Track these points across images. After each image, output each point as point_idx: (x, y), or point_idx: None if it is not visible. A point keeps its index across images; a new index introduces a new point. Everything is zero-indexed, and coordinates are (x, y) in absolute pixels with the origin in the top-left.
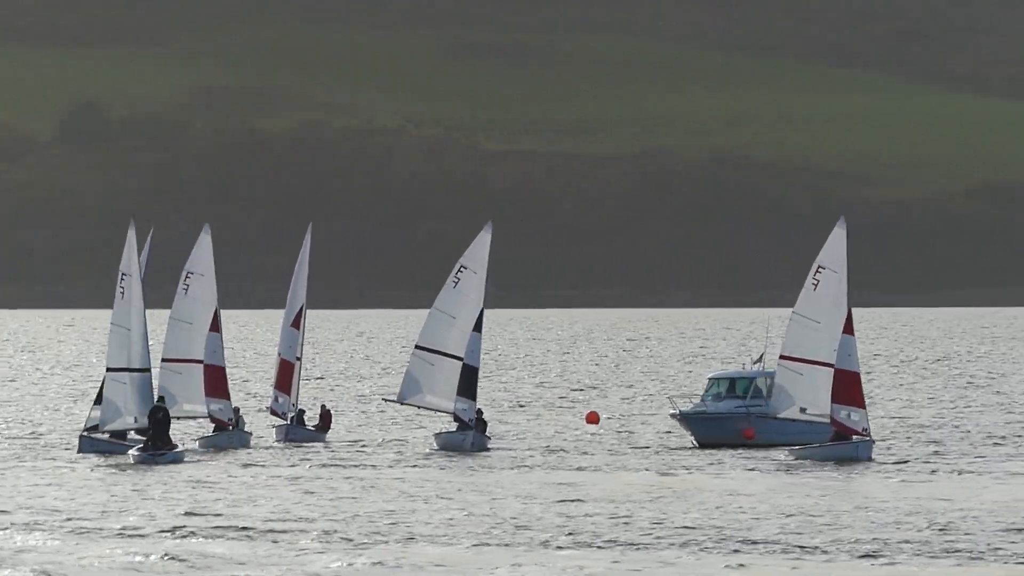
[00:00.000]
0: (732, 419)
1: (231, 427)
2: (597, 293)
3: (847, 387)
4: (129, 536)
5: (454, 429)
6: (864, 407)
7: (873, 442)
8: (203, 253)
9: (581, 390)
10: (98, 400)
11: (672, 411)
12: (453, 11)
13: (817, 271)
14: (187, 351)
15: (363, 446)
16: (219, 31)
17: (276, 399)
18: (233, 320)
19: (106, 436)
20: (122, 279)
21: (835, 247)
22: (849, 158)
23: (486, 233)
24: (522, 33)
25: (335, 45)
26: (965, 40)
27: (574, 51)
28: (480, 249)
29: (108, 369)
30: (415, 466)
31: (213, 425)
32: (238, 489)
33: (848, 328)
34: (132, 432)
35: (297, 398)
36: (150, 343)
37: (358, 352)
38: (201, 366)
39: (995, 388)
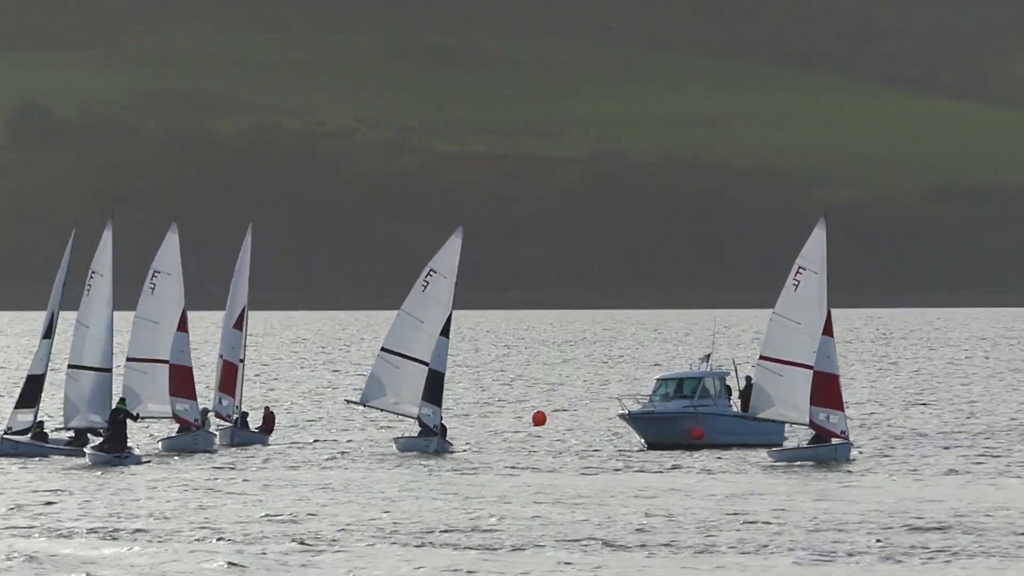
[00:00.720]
0: (680, 419)
1: (196, 428)
2: (548, 294)
3: (826, 389)
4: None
5: (415, 434)
6: (843, 409)
7: (852, 445)
8: (170, 252)
9: (542, 387)
10: (19, 402)
11: (621, 412)
12: (404, 13)
13: (798, 272)
14: (152, 351)
15: (317, 448)
16: (169, 33)
17: (220, 401)
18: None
19: (27, 438)
20: (91, 276)
21: (815, 247)
22: (803, 159)
23: (456, 238)
24: (475, 34)
25: (285, 47)
26: (915, 41)
27: (527, 52)
28: (450, 254)
29: (68, 366)
30: (376, 469)
31: (177, 426)
32: (191, 493)
33: (828, 329)
34: (58, 433)
35: (240, 400)
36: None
37: (303, 354)
38: (166, 366)
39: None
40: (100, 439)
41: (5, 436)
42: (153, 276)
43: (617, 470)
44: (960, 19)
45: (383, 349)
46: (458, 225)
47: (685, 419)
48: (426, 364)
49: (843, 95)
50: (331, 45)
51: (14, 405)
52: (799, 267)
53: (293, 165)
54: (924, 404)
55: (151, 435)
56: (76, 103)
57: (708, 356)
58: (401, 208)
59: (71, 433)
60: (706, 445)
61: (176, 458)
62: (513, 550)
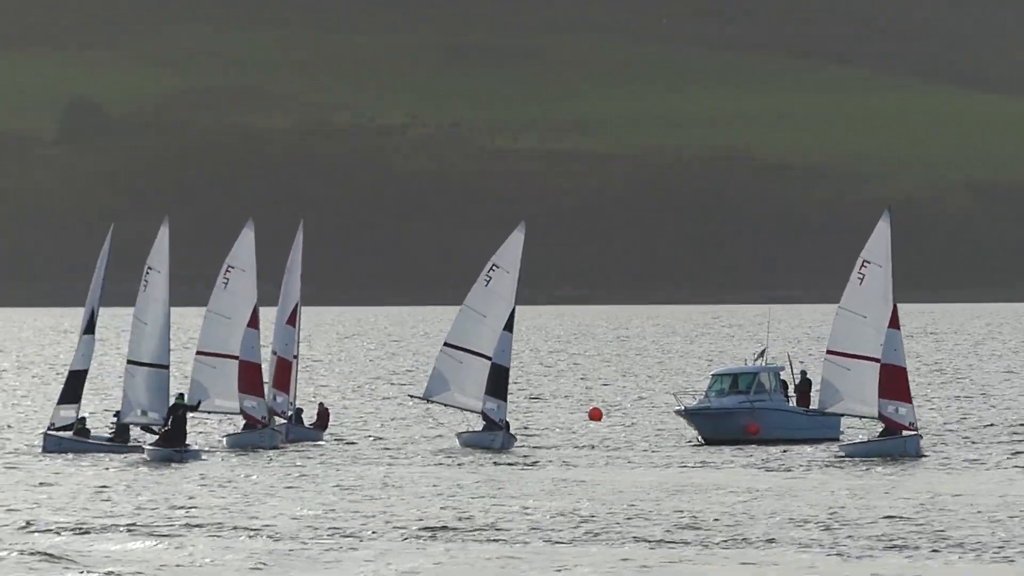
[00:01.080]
0: (736, 415)
1: (263, 425)
2: (600, 290)
3: (894, 382)
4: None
5: (479, 428)
6: (911, 402)
7: (921, 437)
8: (245, 247)
9: (599, 383)
10: (62, 399)
11: (677, 408)
12: (456, 10)
13: (862, 265)
14: (223, 346)
15: (373, 444)
16: (220, 30)
17: (274, 398)
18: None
19: (69, 434)
20: (147, 272)
21: (879, 241)
22: (848, 156)
23: (519, 233)
24: (524, 33)
25: (335, 45)
26: (962, 38)
27: (577, 49)
28: (513, 248)
29: (127, 362)
30: (439, 464)
31: (243, 422)
32: (250, 488)
33: (894, 322)
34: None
35: (295, 396)
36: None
37: (357, 350)
38: (236, 362)
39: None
40: (156, 435)
41: (48, 432)
42: (227, 271)
43: (677, 466)
44: (994, 13)
45: (446, 344)
46: (506, 221)
47: (741, 415)
48: (489, 359)
49: (888, 92)
50: (382, 42)
51: (57, 401)
52: (864, 261)
53: (343, 161)
54: (984, 397)
55: (201, 433)
56: (126, 100)
57: (763, 351)
58: (450, 204)
59: (112, 429)
60: (761, 440)
61: (236, 454)
62: (569, 544)
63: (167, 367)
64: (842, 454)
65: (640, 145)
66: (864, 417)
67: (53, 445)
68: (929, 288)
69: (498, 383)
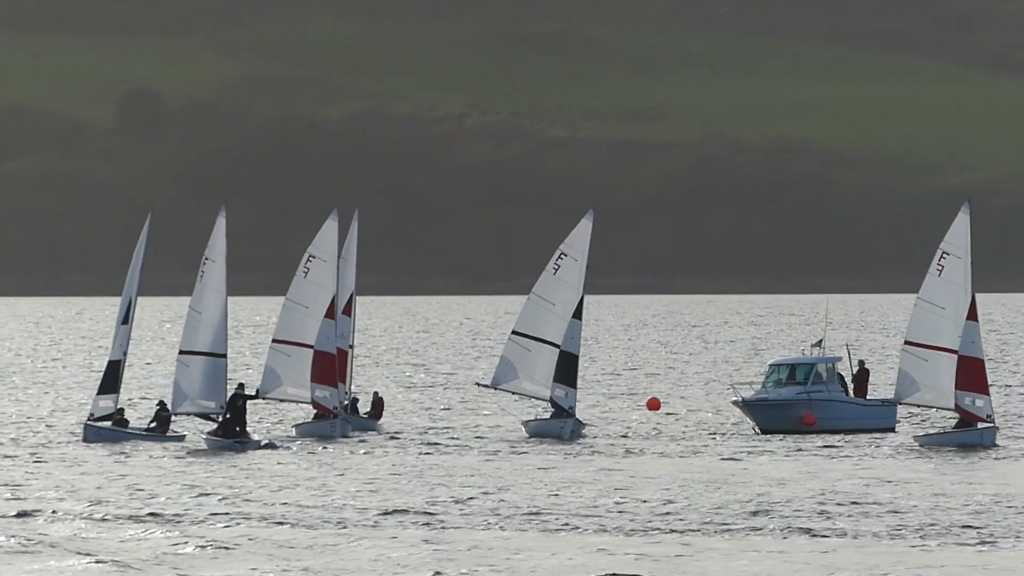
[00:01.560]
0: (793, 405)
1: (334, 416)
2: (656, 279)
3: (971, 373)
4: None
5: (547, 416)
6: (988, 393)
7: (997, 428)
8: (328, 238)
9: (657, 373)
10: (101, 389)
11: (734, 398)
12: (515, 1)
13: (941, 256)
14: (299, 335)
15: (447, 434)
16: (277, 19)
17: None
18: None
19: (108, 424)
20: (204, 263)
21: (959, 232)
22: (913, 145)
23: (588, 220)
24: (584, 22)
25: (395, 35)
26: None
27: (635, 38)
28: (581, 236)
29: (180, 352)
30: (513, 453)
31: (314, 412)
32: (303, 476)
33: (972, 314)
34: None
35: (350, 386)
36: (160, 329)
37: (414, 339)
38: (311, 351)
39: None
40: (214, 424)
41: (88, 423)
42: (308, 260)
43: (740, 455)
44: None
45: (514, 332)
46: (563, 210)
47: (798, 405)
48: (557, 346)
49: (952, 81)
50: (441, 31)
51: (96, 391)
52: (943, 252)
53: (401, 151)
54: None
55: (279, 423)
56: (184, 90)
57: (820, 342)
58: (510, 194)
59: (153, 421)
60: (818, 431)
61: (301, 444)
62: (628, 534)
63: (224, 356)
64: (917, 445)
65: (699, 134)
66: (941, 409)
67: (93, 435)
68: (1013, 278)
69: (567, 371)
